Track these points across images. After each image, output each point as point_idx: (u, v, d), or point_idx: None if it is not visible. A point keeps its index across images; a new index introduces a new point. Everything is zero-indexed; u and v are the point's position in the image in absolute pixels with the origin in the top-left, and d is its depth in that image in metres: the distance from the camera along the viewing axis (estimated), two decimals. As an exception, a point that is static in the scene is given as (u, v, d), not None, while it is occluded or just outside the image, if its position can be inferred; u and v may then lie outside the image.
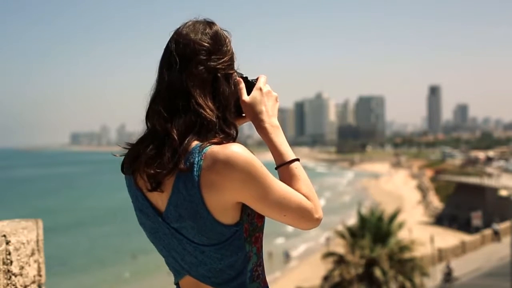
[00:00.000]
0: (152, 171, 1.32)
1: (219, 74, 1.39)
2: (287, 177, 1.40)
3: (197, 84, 1.35)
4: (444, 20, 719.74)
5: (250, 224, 1.37)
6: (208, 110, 1.34)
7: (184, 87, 1.35)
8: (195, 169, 1.28)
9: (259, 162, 1.32)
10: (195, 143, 1.32)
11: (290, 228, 41.54)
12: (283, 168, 1.42)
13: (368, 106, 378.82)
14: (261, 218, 1.39)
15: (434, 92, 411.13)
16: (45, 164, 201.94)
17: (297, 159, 1.44)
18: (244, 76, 1.52)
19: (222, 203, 1.30)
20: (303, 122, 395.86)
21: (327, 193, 77.66)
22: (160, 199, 1.36)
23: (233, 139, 1.38)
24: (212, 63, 1.38)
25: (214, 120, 1.34)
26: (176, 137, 1.31)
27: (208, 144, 1.31)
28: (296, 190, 1.38)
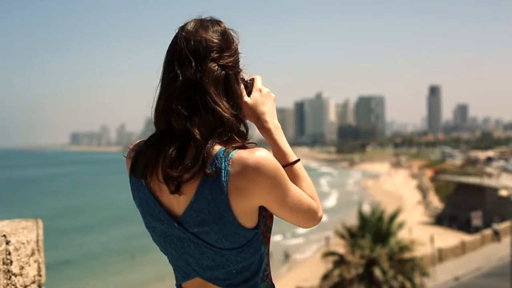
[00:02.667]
0: (175, 173, 1.29)
1: (230, 72, 1.38)
2: (292, 177, 1.41)
3: (211, 82, 1.33)
4: (444, 20, 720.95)
5: (264, 226, 1.38)
6: (224, 109, 1.33)
7: (200, 86, 1.32)
8: (223, 174, 1.26)
9: (281, 166, 1.33)
10: (218, 146, 1.30)
11: (294, 229, 41.96)
12: (287, 168, 1.42)
13: (368, 106, 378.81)
14: (272, 219, 1.41)
15: (434, 92, 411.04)
16: (45, 164, 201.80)
17: (299, 159, 1.47)
18: (241, 77, 1.52)
19: (248, 208, 1.30)
20: (303, 122, 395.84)
21: (336, 192, 78.52)
22: (176, 203, 1.34)
23: (246, 139, 1.38)
24: (224, 61, 1.37)
25: (232, 119, 1.33)
26: (201, 139, 1.28)
27: (232, 149, 1.29)
28: (302, 189, 1.41)
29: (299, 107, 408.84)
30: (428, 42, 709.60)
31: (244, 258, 1.34)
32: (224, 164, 1.27)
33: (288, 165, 1.44)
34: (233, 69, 1.40)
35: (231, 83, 1.38)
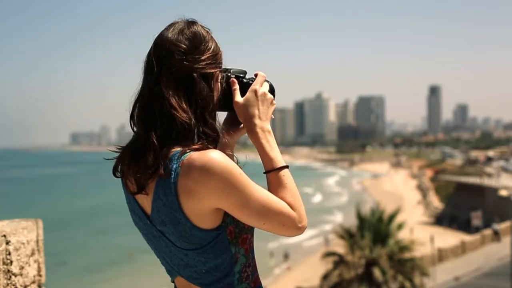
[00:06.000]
0: (135, 175, 1.34)
1: (195, 74, 1.36)
2: (274, 184, 1.39)
3: (170, 85, 1.34)
4: (444, 20, 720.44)
5: (236, 226, 1.36)
6: (181, 112, 1.32)
7: (158, 90, 1.34)
8: (173, 176, 1.28)
9: (238, 169, 1.30)
10: (175, 149, 1.31)
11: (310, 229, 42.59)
12: (271, 174, 1.40)
13: (368, 106, 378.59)
14: None
15: (434, 92, 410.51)
16: (45, 164, 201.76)
17: (286, 166, 1.42)
18: (241, 75, 1.50)
19: (200, 210, 1.30)
20: (303, 122, 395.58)
21: (346, 191, 79.73)
22: (146, 202, 1.37)
23: (215, 141, 1.36)
24: (187, 63, 1.36)
25: (188, 121, 1.32)
26: (155, 142, 1.31)
27: (188, 151, 1.30)
28: (281, 197, 1.36)
29: (299, 107, 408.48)
30: (428, 42, 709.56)
31: (208, 259, 1.34)
32: (175, 165, 1.29)
33: (271, 171, 1.41)
34: (201, 70, 1.37)
35: (195, 84, 1.36)
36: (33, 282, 2.29)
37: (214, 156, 1.28)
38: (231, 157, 1.33)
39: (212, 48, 1.41)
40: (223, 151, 1.34)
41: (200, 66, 1.37)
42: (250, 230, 1.40)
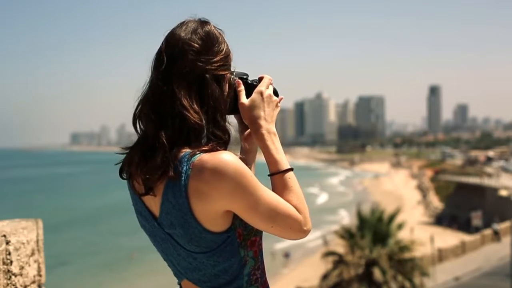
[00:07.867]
0: (143, 176, 1.31)
1: (207, 75, 1.34)
2: (280, 186, 1.38)
3: (182, 85, 1.32)
4: (444, 20, 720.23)
5: (244, 229, 1.34)
6: (192, 113, 1.29)
7: (170, 89, 1.31)
8: (183, 178, 1.26)
9: (249, 171, 1.28)
10: (185, 150, 1.29)
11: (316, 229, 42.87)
12: (276, 176, 1.39)
13: (368, 106, 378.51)
14: None
15: (434, 92, 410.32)
16: (45, 164, 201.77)
17: (291, 169, 1.41)
18: (244, 77, 1.49)
19: (211, 212, 1.28)
20: (303, 122, 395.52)
21: (351, 191, 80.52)
22: (154, 204, 1.35)
23: (225, 143, 1.35)
24: (200, 64, 1.34)
25: (200, 122, 1.30)
26: (165, 142, 1.28)
27: (198, 152, 1.27)
28: (287, 200, 1.35)
29: (299, 107, 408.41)
30: (428, 42, 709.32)
31: (217, 262, 1.32)
32: (186, 167, 1.26)
33: (276, 174, 1.40)
34: (213, 71, 1.36)
35: (207, 86, 1.34)
36: (33, 282, 2.29)
37: (226, 158, 1.25)
38: (242, 160, 1.31)
39: (224, 50, 1.39)
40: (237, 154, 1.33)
41: (213, 68, 1.35)
42: (258, 232, 1.38)
